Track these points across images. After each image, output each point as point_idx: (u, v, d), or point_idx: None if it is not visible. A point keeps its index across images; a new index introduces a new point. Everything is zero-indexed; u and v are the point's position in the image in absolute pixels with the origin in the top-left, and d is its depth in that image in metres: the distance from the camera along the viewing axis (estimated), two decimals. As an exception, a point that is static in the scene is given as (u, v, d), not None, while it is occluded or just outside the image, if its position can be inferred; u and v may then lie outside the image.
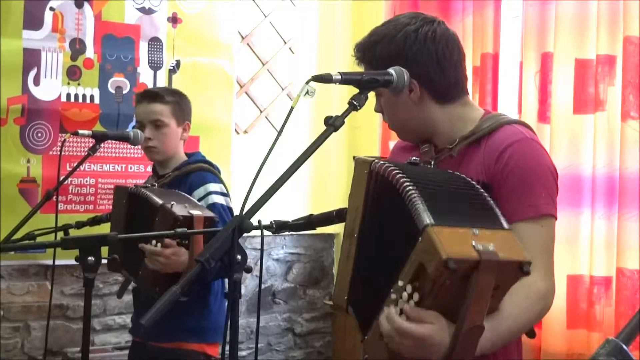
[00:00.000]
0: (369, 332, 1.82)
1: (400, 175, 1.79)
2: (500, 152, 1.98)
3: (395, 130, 2.21)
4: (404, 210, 1.71)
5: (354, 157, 2.00)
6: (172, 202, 2.91)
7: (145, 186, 3.24)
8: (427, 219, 1.63)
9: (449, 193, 1.81)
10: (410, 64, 2.00)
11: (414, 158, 2.03)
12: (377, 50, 2.07)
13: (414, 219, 1.67)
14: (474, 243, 1.59)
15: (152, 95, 3.33)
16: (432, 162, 2.09)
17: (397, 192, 1.76)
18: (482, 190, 1.84)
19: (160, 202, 2.94)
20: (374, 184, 1.89)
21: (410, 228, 1.67)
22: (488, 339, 1.69)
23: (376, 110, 2.18)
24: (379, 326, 1.73)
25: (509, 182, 1.95)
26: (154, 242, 2.91)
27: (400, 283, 1.69)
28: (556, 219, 2.00)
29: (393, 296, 1.71)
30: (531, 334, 1.88)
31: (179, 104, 3.35)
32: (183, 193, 3.14)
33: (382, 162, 1.89)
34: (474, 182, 1.88)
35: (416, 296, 1.65)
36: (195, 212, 2.89)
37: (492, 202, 1.79)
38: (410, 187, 1.73)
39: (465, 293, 1.58)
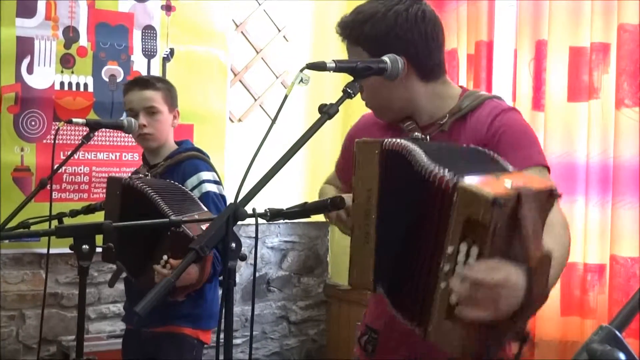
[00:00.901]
0: (429, 320, 1.75)
1: (411, 146, 1.83)
2: (490, 122, 2.08)
3: (375, 108, 2.25)
4: (425, 182, 1.74)
5: (356, 141, 1.99)
6: (183, 218, 2.82)
7: (139, 177, 3.21)
8: (454, 177, 1.66)
9: (462, 155, 1.90)
10: (400, 41, 2.05)
11: (416, 134, 2.09)
12: (365, 28, 2.09)
13: (440, 184, 1.69)
14: (505, 183, 1.63)
15: (143, 82, 3.32)
16: (427, 137, 2.12)
17: (413, 165, 1.79)
18: (486, 150, 1.91)
19: (170, 214, 2.84)
20: (390, 163, 1.89)
21: (436, 196, 1.71)
22: (551, 274, 1.71)
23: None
24: (445, 300, 1.68)
25: (502, 142, 2.04)
26: (164, 258, 2.86)
27: (449, 250, 1.67)
28: (549, 171, 2.09)
29: (446, 267, 1.68)
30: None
31: (169, 90, 3.35)
32: (178, 185, 3.11)
33: (394, 140, 1.89)
34: (476, 147, 1.95)
35: (474, 250, 1.63)
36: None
37: (498, 156, 1.86)
38: (426, 158, 1.77)
39: (518, 230, 1.60)
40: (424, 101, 2.16)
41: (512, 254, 1.63)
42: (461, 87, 2.24)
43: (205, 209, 2.96)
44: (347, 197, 2.03)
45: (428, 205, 1.76)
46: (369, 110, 2.33)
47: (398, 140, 1.88)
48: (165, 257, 2.85)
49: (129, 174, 3.51)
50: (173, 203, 2.96)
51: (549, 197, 1.70)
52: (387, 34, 2.06)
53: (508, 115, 2.11)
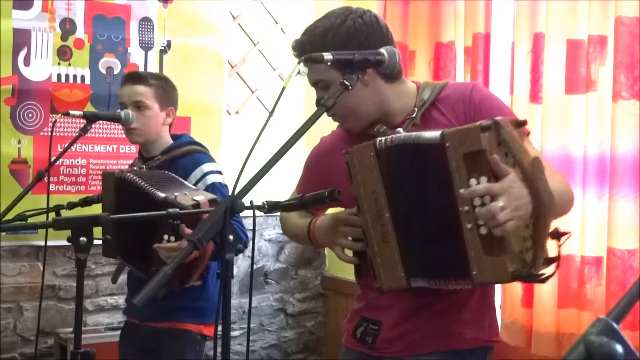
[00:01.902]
0: (469, 265, 1.89)
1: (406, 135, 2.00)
2: (466, 97, 2.19)
3: (342, 119, 2.27)
4: (429, 155, 1.92)
5: (344, 152, 2.06)
6: (175, 194, 2.87)
7: (133, 170, 3.21)
8: (437, 134, 1.90)
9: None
10: (362, 47, 2.07)
11: (398, 129, 2.12)
12: (326, 39, 2.11)
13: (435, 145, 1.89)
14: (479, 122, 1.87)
15: (135, 77, 3.31)
16: (403, 132, 2.14)
17: (420, 148, 1.94)
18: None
19: (162, 195, 2.88)
20: (389, 159, 1.99)
21: (434, 156, 1.90)
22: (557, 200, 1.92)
23: (319, 102, 2.04)
24: (476, 237, 1.85)
25: (483, 108, 2.15)
26: (165, 237, 2.87)
27: (462, 191, 1.84)
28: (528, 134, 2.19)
29: (465, 208, 1.85)
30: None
31: (163, 88, 3.31)
32: (169, 173, 3.11)
33: (385, 138, 2.01)
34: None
35: (483, 179, 1.83)
36: (199, 198, 2.87)
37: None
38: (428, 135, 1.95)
39: (506, 149, 1.84)
40: (393, 102, 2.21)
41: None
42: (413, 81, 2.31)
43: (213, 195, 2.96)
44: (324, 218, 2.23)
45: (429, 173, 1.93)
46: (327, 133, 2.40)
47: (390, 137, 2.01)
48: (166, 236, 2.87)
49: (125, 167, 3.49)
50: (163, 185, 2.97)
51: (517, 125, 1.94)
52: (350, 41, 2.09)
53: (479, 87, 2.27)
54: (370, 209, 2.00)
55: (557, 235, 1.94)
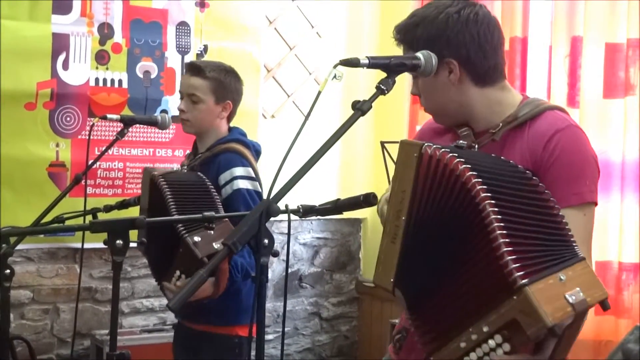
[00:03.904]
0: (431, 340, 1.82)
1: (460, 161, 1.76)
2: (547, 140, 1.99)
3: (432, 113, 2.20)
4: (468, 203, 1.73)
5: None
6: (196, 239, 2.78)
7: (168, 172, 3.20)
8: (515, 273, 1.63)
9: (509, 186, 1.79)
10: (451, 44, 2.02)
11: (460, 142, 1.99)
12: (417, 31, 2.07)
13: (487, 235, 1.68)
14: (567, 296, 1.64)
15: (194, 68, 3.27)
16: (476, 146, 2.07)
17: (460, 181, 1.75)
18: (534, 178, 1.83)
19: (184, 233, 2.81)
20: (426, 168, 1.86)
21: (475, 228, 1.70)
22: None
23: (412, 93, 2.19)
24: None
25: (555, 169, 1.97)
26: (177, 273, 2.85)
27: (485, 329, 1.70)
28: (597, 205, 2.03)
29: (474, 337, 1.72)
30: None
31: (221, 81, 3.26)
32: (202, 181, 3.08)
33: (433, 145, 1.85)
34: (522, 169, 1.88)
35: (506, 347, 1.67)
36: (219, 247, 2.81)
37: (552, 201, 1.79)
38: (476, 180, 1.72)
39: (554, 336, 1.65)
40: (478, 107, 2.10)
41: (538, 353, 1.69)
42: (523, 95, 2.17)
43: (221, 212, 2.92)
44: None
45: (464, 226, 1.75)
46: (407, 109, 2.33)
47: (439, 146, 1.83)
48: (177, 272, 2.87)
49: (179, 165, 3.45)
50: (186, 205, 2.92)
51: (601, 304, 1.70)
52: (439, 37, 2.03)
53: (568, 135, 2.02)
54: (395, 205, 1.96)
55: None
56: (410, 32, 2.08)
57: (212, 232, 2.80)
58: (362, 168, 5.24)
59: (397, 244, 1.92)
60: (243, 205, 3.04)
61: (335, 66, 1.86)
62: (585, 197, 1.98)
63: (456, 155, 1.79)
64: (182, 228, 2.82)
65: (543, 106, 2.08)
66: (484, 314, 1.70)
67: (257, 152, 3.34)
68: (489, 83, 2.10)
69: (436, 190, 1.84)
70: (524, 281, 1.62)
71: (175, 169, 3.32)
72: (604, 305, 1.70)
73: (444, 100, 2.12)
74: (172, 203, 2.92)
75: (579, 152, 2.01)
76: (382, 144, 4.24)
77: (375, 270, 1.99)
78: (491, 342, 1.69)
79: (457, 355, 1.75)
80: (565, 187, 1.95)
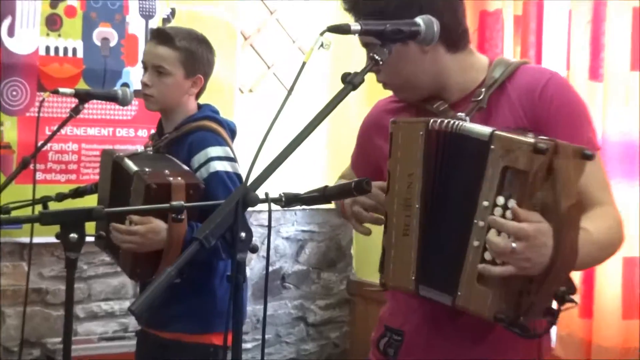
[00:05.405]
0: (458, 288, 1.90)
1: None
2: (540, 91, 2.10)
3: (397, 88, 2.24)
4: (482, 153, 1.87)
5: (391, 121, 2.04)
6: (148, 168, 2.90)
7: (130, 153, 3.21)
8: (488, 131, 1.87)
9: None
10: (425, 10, 2.04)
11: (459, 114, 2.09)
12: None
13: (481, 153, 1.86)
14: (537, 138, 1.81)
15: (162, 36, 3.23)
16: (467, 119, 2.10)
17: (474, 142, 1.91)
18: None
19: (135, 168, 2.93)
20: (439, 145, 1.97)
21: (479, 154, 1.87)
22: (586, 253, 1.89)
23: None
24: (477, 259, 1.85)
25: (560, 118, 2.08)
26: (129, 218, 2.92)
27: (485, 204, 1.83)
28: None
29: (480, 223, 1.84)
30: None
31: (193, 52, 3.24)
32: (173, 158, 3.11)
33: (440, 120, 1.98)
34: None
35: (511, 203, 1.79)
36: (175, 180, 2.87)
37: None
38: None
39: (551, 181, 1.78)
40: (453, 74, 2.18)
41: (542, 205, 1.80)
42: (486, 56, 2.27)
43: (198, 180, 2.99)
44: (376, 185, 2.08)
45: (463, 168, 1.92)
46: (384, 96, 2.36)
47: (447, 120, 1.98)
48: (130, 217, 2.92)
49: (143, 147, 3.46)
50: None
51: (582, 156, 1.84)
52: (411, 3, 2.06)
53: (559, 82, 2.16)
54: (401, 193, 1.99)
55: (563, 299, 1.91)
56: (373, 2, 2.10)
57: (169, 170, 2.94)
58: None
59: (413, 237, 1.96)
60: (222, 190, 3.03)
61: (322, 33, 1.86)
62: (595, 144, 2.13)
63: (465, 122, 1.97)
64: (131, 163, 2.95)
65: (515, 63, 2.19)
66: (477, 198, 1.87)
67: (232, 132, 3.33)
68: (461, 48, 2.19)
69: (448, 167, 1.96)
70: (489, 131, 1.87)
71: (139, 150, 3.29)
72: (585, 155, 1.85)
73: (416, 72, 2.16)
74: (136, 168, 2.97)
75: (574, 98, 2.16)
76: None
77: (385, 270, 2.02)
78: (497, 210, 1.82)
79: (477, 263, 1.85)
80: (576, 135, 2.05)
